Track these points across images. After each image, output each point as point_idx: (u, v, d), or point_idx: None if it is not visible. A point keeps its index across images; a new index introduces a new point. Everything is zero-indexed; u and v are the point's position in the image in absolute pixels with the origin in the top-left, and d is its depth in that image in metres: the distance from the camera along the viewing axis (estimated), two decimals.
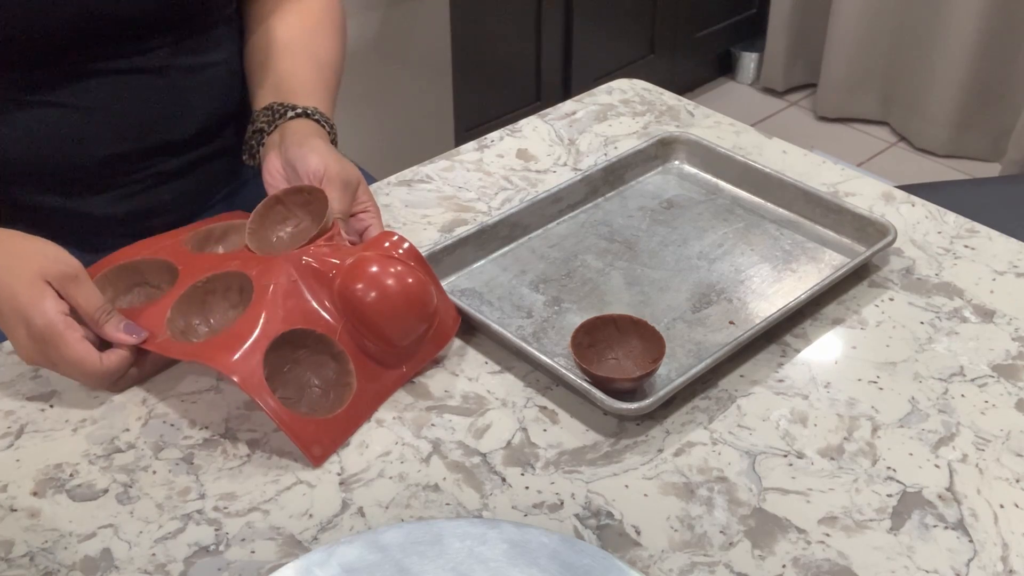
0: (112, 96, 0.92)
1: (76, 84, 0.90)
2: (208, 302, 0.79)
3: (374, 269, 0.77)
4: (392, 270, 0.78)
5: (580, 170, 1.03)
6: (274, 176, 0.89)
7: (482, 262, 0.92)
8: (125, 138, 0.94)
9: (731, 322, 0.85)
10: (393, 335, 0.77)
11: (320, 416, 0.74)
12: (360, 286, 0.77)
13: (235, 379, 0.71)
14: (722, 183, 1.02)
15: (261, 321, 0.74)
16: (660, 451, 0.74)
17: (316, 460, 0.72)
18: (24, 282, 0.75)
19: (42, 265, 0.75)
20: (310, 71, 0.99)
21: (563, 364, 0.78)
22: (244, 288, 0.78)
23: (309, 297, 0.77)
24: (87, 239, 0.95)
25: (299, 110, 0.92)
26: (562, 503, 0.70)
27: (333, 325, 0.77)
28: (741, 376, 0.80)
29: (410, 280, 0.78)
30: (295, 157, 0.87)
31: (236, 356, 0.72)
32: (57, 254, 0.77)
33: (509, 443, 0.75)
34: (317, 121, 0.92)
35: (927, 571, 0.66)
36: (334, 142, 0.94)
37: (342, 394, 0.76)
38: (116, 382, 0.78)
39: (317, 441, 0.72)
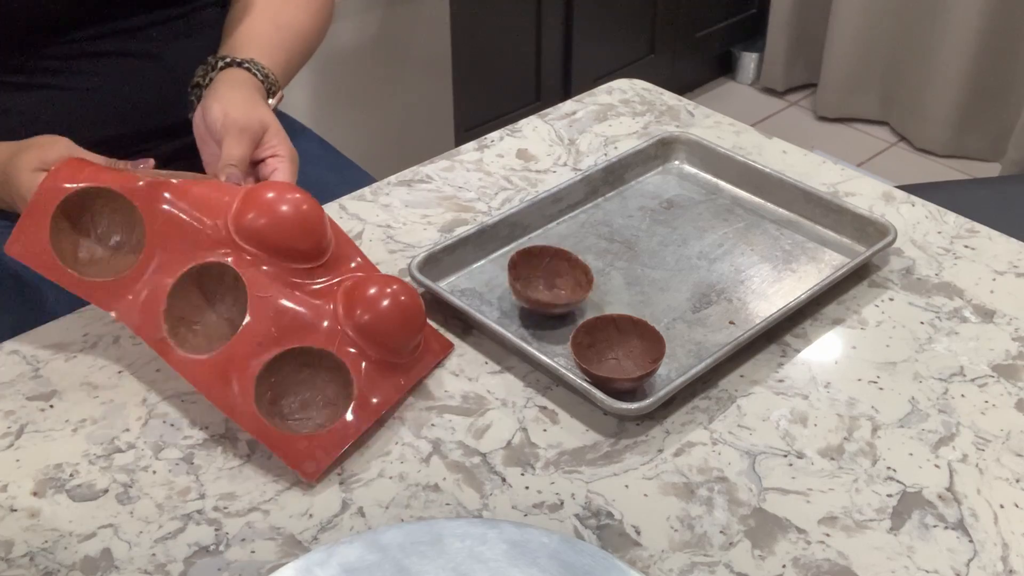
0: (105, 80, 0.93)
1: (68, 67, 0.91)
2: (203, 293, 0.78)
3: (372, 291, 0.77)
4: (388, 289, 0.78)
5: (580, 170, 1.03)
6: (196, 126, 0.89)
7: (482, 262, 0.91)
8: (118, 122, 0.94)
9: (731, 322, 0.85)
10: (393, 346, 0.77)
11: (310, 432, 0.73)
12: (358, 308, 0.77)
13: (225, 412, 0.71)
14: (722, 183, 1.02)
15: (255, 344, 0.74)
16: (660, 451, 0.74)
17: (309, 476, 0.71)
18: (25, 183, 0.78)
19: (34, 158, 0.79)
20: (266, 30, 0.99)
21: (563, 364, 0.78)
22: (237, 283, 0.76)
23: (302, 309, 0.76)
24: None
25: (228, 59, 0.92)
26: (562, 503, 0.70)
27: (331, 338, 0.76)
28: (741, 376, 0.80)
29: (403, 297, 0.78)
30: (204, 108, 0.88)
31: (229, 387, 0.72)
32: (43, 141, 0.80)
33: (509, 443, 0.75)
34: (248, 70, 0.91)
35: (927, 571, 0.66)
36: (272, 92, 0.93)
37: (346, 406, 0.75)
38: None
39: (310, 456, 0.71)
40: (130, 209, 0.78)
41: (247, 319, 0.74)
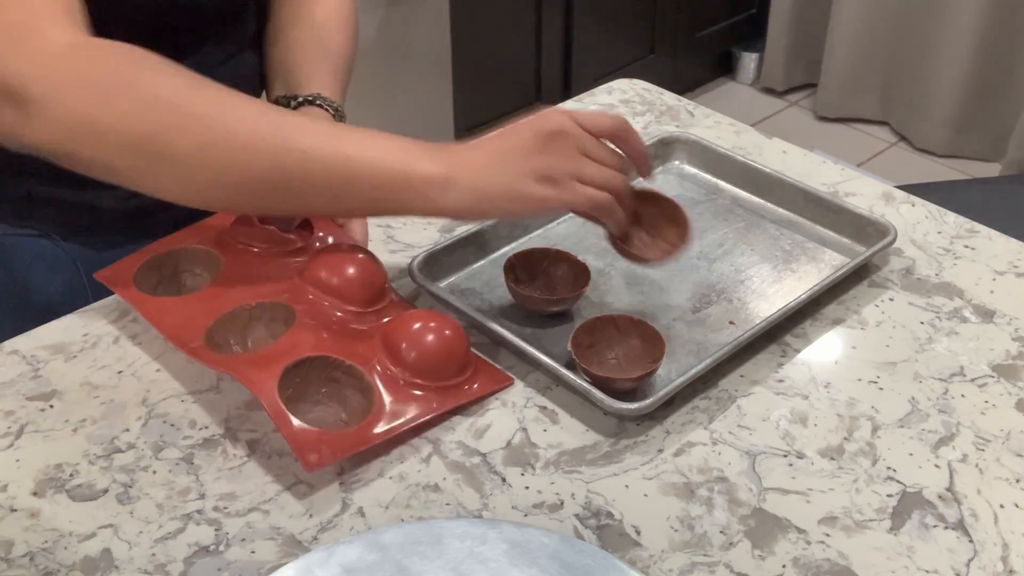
0: None
1: None
2: (251, 327, 0.79)
3: (417, 326, 0.78)
4: (431, 324, 0.78)
5: None
6: None
7: (482, 262, 0.91)
8: None
9: (731, 322, 0.85)
10: (430, 377, 0.77)
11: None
12: (404, 343, 0.77)
13: (250, 387, 0.71)
14: (722, 183, 1.02)
15: (292, 344, 0.75)
16: (660, 451, 0.74)
17: (309, 466, 0.70)
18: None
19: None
20: (317, 59, 1.00)
21: (563, 364, 0.78)
22: (289, 321, 0.78)
23: (344, 332, 0.78)
24: (95, 234, 0.96)
25: (301, 99, 0.94)
26: (562, 503, 0.70)
27: (366, 360, 0.76)
28: (741, 376, 0.80)
29: (447, 332, 0.78)
30: None
31: (258, 370, 0.72)
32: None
33: (509, 443, 0.75)
34: (320, 106, 0.93)
35: (927, 571, 0.66)
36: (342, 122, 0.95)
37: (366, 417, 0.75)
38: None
39: (315, 449, 0.71)
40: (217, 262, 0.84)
41: (287, 334, 0.76)
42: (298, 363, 0.74)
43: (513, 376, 0.80)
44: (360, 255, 0.83)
